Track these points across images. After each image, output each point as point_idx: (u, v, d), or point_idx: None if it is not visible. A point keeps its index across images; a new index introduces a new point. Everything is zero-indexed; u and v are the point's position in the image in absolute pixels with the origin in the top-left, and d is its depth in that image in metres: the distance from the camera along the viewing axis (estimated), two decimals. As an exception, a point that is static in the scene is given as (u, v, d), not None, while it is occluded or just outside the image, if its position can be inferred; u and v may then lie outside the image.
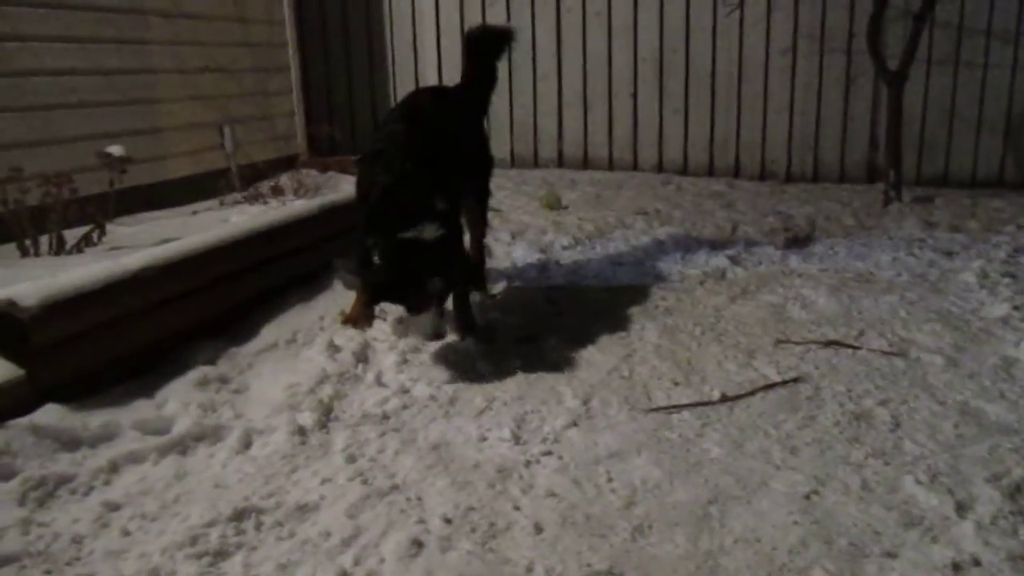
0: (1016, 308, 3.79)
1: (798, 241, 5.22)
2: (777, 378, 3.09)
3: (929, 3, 6.17)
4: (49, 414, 2.52)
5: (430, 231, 3.10)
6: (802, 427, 2.70)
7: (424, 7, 7.97)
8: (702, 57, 7.66)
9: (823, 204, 6.49)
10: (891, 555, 2.01)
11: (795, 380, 3.06)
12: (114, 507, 2.20)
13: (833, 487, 2.33)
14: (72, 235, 4.31)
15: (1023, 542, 2.04)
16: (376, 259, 3.13)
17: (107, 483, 2.32)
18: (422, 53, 8.09)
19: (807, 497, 2.27)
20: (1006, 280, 4.23)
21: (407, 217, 3.12)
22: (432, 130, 3.47)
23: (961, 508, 2.19)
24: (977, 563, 1.97)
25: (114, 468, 2.37)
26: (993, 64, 7.10)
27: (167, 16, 6.03)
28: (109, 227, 4.50)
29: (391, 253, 3.10)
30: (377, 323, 3.54)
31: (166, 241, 3.56)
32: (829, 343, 3.42)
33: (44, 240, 4.25)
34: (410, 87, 6.65)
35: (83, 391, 2.69)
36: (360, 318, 3.51)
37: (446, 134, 3.54)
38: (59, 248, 4.25)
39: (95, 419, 2.55)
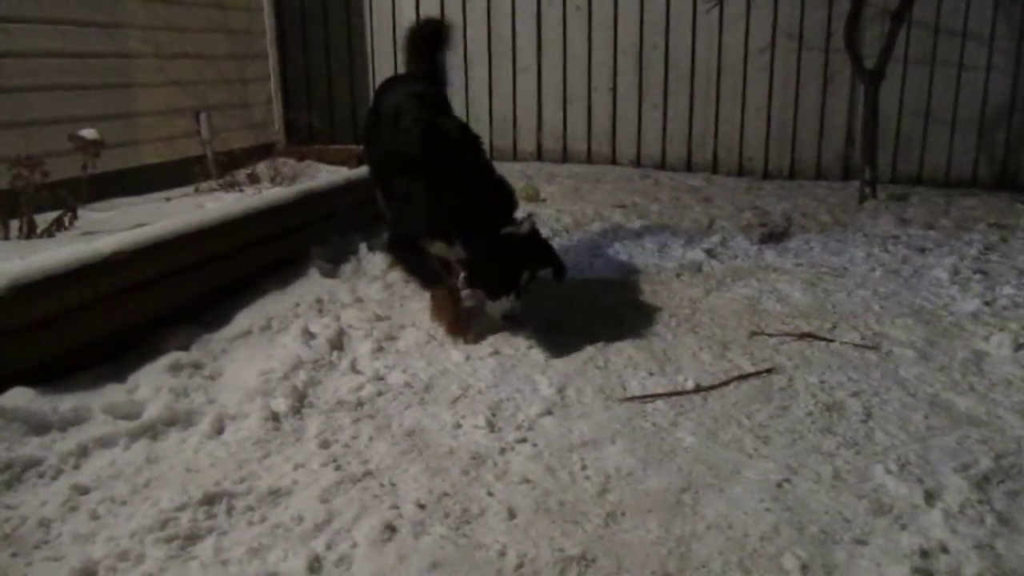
0: (986, 304, 3.85)
1: (774, 236, 5.25)
2: (751, 369, 3.10)
3: (907, 3, 6.22)
4: (17, 397, 2.47)
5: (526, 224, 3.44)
6: (775, 417, 2.72)
7: (404, -3, 7.93)
8: (681, 53, 7.68)
9: (799, 200, 6.53)
10: (861, 542, 2.03)
11: (769, 371, 3.08)
12: (83, 491, 2.18)
13: (805, 476, 2.34)
14: (44, 219, 4.25)
15: (990, 530, 2.07)
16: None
17: (76, 467, 2.29)
18: (401, 43, 8.03)
19: (779, 485, 2.29)
20: (977, 277, 4.29)
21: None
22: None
23: (930, 497, 2.22)
24: (945, 550, 1.99)
25: (84, 452, 2.34)
26: (968, 65, 7.17)
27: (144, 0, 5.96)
28: (81, 212, 4.44)
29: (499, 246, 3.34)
30: (351, 310, 3.52)
31: (139, 226, 3.51)
32: (803, 335, 3.44)
33: (15, 224, 4.19)
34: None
35: (53, 375, 2.65)
36: (463, 325, 3.39)
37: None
38: (30, 232, 4.19)
39: (65, 403, 2.51)
